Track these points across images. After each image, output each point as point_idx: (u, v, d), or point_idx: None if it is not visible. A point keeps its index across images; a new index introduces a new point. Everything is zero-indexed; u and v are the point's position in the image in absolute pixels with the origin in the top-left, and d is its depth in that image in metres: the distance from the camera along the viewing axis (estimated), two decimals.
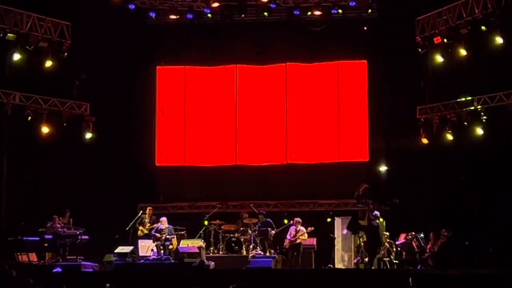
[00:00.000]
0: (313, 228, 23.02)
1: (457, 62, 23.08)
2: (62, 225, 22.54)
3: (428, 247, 21.69)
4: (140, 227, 22.94)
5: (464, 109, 23.27)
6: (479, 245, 21.61)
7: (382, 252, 22.01)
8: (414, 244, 21.97)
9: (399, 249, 22.27)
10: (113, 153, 24.75)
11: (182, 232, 23.21)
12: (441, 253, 21.30)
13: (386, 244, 22.08)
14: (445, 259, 21.10)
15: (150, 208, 23.50)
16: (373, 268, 21.05)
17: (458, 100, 23.46)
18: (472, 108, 23.11)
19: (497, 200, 22.41)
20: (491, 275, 17.32)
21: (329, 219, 24.76)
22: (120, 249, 22.22)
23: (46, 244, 22.18)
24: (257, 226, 23.51)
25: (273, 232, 23.36)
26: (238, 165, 26.25)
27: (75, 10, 23.89)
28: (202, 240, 22.98)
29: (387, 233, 22.38)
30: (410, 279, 17.09)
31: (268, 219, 23.68)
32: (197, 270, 20.54)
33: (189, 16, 25.55)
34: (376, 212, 21.38)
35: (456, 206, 23.09)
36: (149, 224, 22.94)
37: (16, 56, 23.25)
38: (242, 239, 23.21)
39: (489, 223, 22.13)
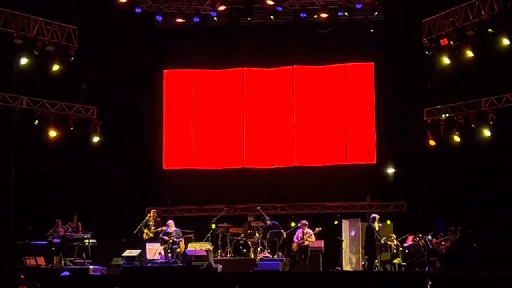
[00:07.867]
0: (320, 228, 22.92)
1: (464, 64, 23.03)
2: (70, 229, 22.64)
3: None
4: (146, 230, 22.89)
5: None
6: (487, 247, 21.56)
7: (388, 254, 22.02)
8: (421, 246, 21.92)
9: (406, 251, 22.22)
10: (120, 157, 24.76)
11: (190, 235, 23.19)
12: (449, 255, 21.25)
13: (393, 246, 22.05)
14: (453, 261, 21.04)
15: (154, 210, 23.45)
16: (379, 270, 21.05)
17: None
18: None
19: (506, 202, 22.37)
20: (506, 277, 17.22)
21: (336, 222, 24.72)
22: (128, 253, 22.21)
23: (54, 248, 22.26)
24: (265, 227, 23.34)
25: (285, 235, 23.19)
26: (245, 168, 26.21)
27: (81, 14, 23.96)
28: (210, 243, 22.96)
29: (394, 235, 22.35)
30: (429, 281, 16.92)
31: (273, 222, 23.43)
32: (204, 273, 20.55)
33: (196, 19, 25.57)
34: (375, 215, 21.37)
35: (463, 208, 23.04)
36: (154, 228, 22.92)
37: (23, 60, 23.30)
38: (249, 242, 23.19)
39: (497, 225, 22.09)
